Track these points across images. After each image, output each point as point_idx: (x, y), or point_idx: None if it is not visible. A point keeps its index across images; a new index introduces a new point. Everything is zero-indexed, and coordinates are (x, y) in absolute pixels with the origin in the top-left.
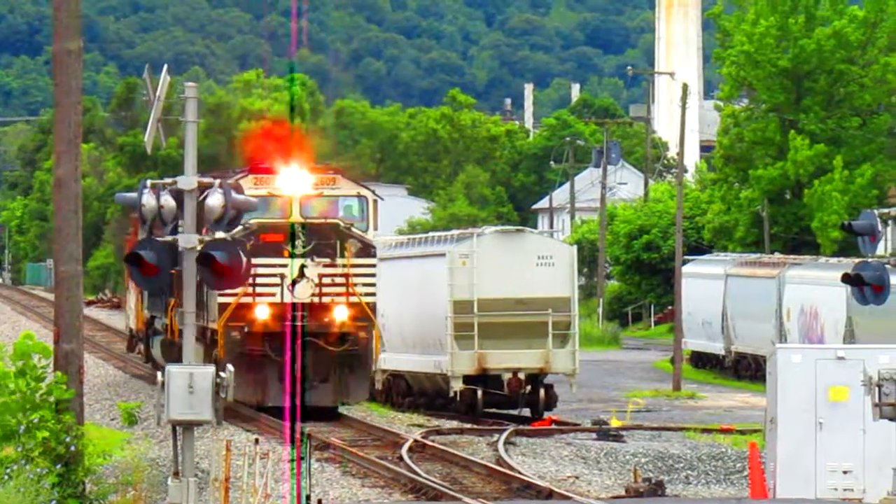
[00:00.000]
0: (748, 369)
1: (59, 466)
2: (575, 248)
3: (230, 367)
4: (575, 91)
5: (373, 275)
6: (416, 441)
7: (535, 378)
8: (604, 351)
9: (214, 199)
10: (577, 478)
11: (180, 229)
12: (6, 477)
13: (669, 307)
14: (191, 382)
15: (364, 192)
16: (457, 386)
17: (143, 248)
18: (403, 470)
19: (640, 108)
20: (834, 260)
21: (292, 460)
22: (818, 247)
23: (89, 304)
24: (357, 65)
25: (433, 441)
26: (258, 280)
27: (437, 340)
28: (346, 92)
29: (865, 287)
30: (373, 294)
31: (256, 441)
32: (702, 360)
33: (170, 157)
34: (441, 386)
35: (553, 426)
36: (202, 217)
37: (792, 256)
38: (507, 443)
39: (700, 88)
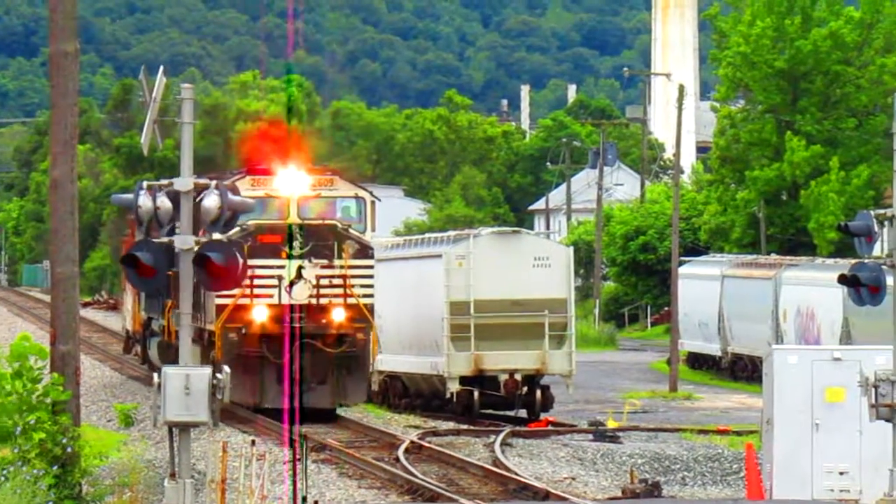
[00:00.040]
0: (745, 370)
1: (55, 468)
2: (571, 249)
3: (226, 368)
4: (571, 92)
5: (370, 276)
6: (412, 442)
7: (532, 379)
8: (600, 352)
9: (211, 201)
10: (573, 479)
11: (177, 231)
12: (3, 478)
13: (666, 308)
14: (187, 384)
15: (362, 193)
16: (453, 387)
17: (140, 250)
18: (400, 471)
19: (637, 110)
20: (830, 261)
21: (291, 461)
22: (814, 248)
23: (85, 305)
24: (353, 66)
25: (430, 442)
26: (256, 281)
27: (434, 342)
28: (343, 93)
29: (862, 288)
30: (370, 295)
31: (253, 442)
32: (698, 362)
33: (166, 159)
34: (437, 387)
35: (550, 427)
36: (199, 218)
37: (788, 257)
38: (503, 444)
39: (696, 89)
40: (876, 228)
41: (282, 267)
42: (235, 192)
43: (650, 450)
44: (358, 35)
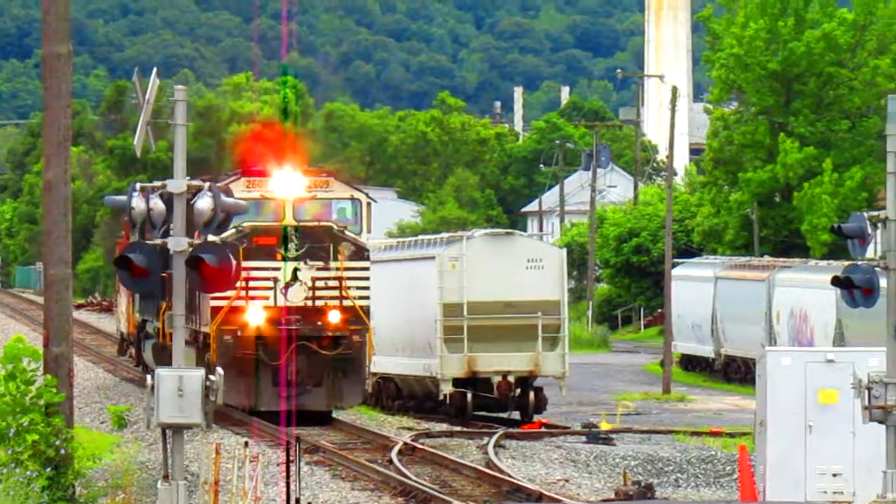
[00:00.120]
0: (738, 372)
1: (48, 469)
2: (564, 251)
3: (219, 370)
4: (564, 94)
5: (366, 278)
6: (405, 444)
7: (525, 381)
8: (593, 354)
9: (203, 203)
10: (566, 481)
11: (172, 232)
12: None
13: (659, 310)
14: (180, 386)
15: (357, 194)
16: (446, 389)
17: (133, 252)
18: (393, 473)
19: (630, 111)
20: (823, 263)
21: (286, 463)
22: (808, 250)
23: (79, 307)
24: (346, 68)
25: (423, 444)
26: (251, 283)
27: (427, 343)
28: (336, 95)
29: (855, 290)
30: (366, 297)
31: (246, 444)
32: (691, 363)
33: (159, 161)
34: (431, 389)
35: (543, 429)
36: (193, 220)
37: (781, 259)
38: (496, 446)
39: (689, 91)
40: (869, 230)
41: (277, 269)
42: (228, 193)
43: (643, 452)
44: (351, 37)
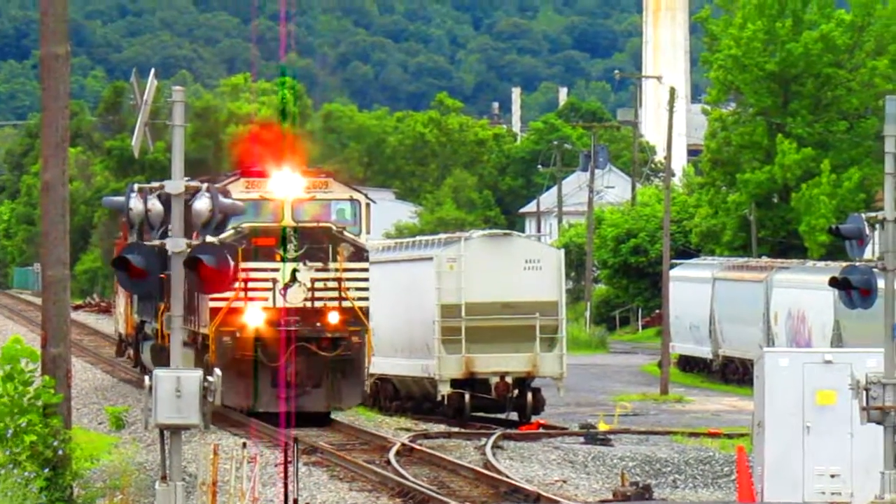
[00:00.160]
0: (736, 373)
1: (46, 470)
2: (562, 251)
3: (217, 370)
4: (562, 95)
5: (366, 279)
6: (403, 445)
7: (523, 382)
8: (591, 355)
9: (201, 203)
10: (564, 482)
11: (170, 233)
12: None
13: (657, 311)
14: (178, 386)
15: (356, 195)
16: (444, 390)
17: (131, 253)
18: (391, 474)
19: (628, 112)
20: (821, 264)
21: (284, 464)
22: (805, 250)
23: (77, 308)
24: (344, 69)
25: (420, 445)
26: (250, 284)
27: (425, 344)
28: (334, 96)
29: (853, 291)
30: (365, 298)
31: (244, 445)
32: (689, 364)
33: (157, 161)
34: (428, 390)
35: (541, 430)
36: (192, 221)
37: (779, 260)
38: (494, 447)
39: (687, 92)
40: (867, 231)
41: (276, 270)
42: (226, 194)
43: (641, 452)
44: (349, 37)
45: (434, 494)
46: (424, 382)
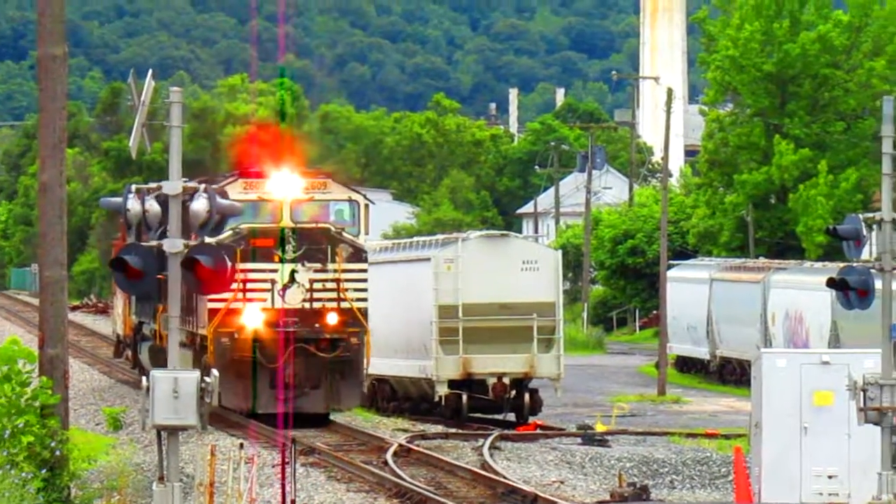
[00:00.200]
0: (733, 374)
1: (44, 471)
2: (560, 252)
3: (214, 371)
4: (560, 96)
5: (364, 280)
6: (400, 446)
7: (520, 383)
8: (588, 355)
9: (199, 204)
10: (562, 482)
11: (169, 234)
12: None
13: (654, 312)
14: (175, 387)
15: (355, 196)
16: (442, 390)
17: (128, 253)
18: (388, 475)
19: (625, 113)
20: (819, 264)
21: (282, 465)
22: (803, 251)
23: (74, 308)
24: (342, 69)
25: (418, 446)
26: (249, 285)
27: (422, 345)
28: (331, 97)
29: (850, 292)
30: (364, 299)
31: (241, 446)
32: (687, 365)
33: (154, 162)
34: (426, 390)
35: (538, 431)
36: (189, 222)
37: (777, 261)
38: (492, 447)
39: (685, 93)
40: (864, 232)
41: (275, 271)
42: (224, 195)
43: (638, 453)
44: (346, 38)
45: (431, 495)
46: (422, 383)
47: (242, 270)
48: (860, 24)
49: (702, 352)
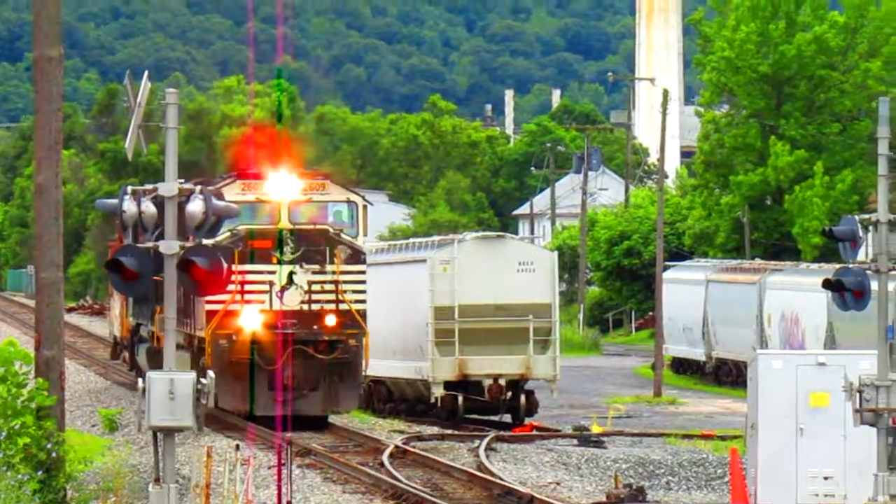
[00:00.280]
0: (729, 375)
1: (40, 473)
2: (556, 254)
3: (210, 373)
4: (555, 97)
5: (363, 281)
6: (396, 447)
7: (516, 384)
8: (584, 357)
9: (195, 206)
10: (558, 484)
11: (165, 235)
12: None
13: (650, 313)
14: (171, 388)
15: (354, 197)
16: (438, 392)
17: (124, 255)
18: (384, 476)
19: (621, 114)
20: (815, 266)
21: (278, 466)
22: (799, 252)
23: (70, 310)
24: (337, 71)
25: (414, 447)
26: (247, 287)
27: (418, 346)
28: (327, 98)
29: (846, 293)
30: (363, 301)
31: (237, 447)
32: (682, 366)
33: (150, 164)
34: (422, 392)
35: (534, 432)
36: (186, 224)
37: (773, 262)
38: (488, 449)
39: (681, 94)
40: (860, 233)
41: (273, 272)
42: (220, 197)
43: (635, 455)
44: (342, 40)
45: (427, 497)
46: (418, 384)
47: (240, 272)
48: (856, 26)
49: (698, 353)
